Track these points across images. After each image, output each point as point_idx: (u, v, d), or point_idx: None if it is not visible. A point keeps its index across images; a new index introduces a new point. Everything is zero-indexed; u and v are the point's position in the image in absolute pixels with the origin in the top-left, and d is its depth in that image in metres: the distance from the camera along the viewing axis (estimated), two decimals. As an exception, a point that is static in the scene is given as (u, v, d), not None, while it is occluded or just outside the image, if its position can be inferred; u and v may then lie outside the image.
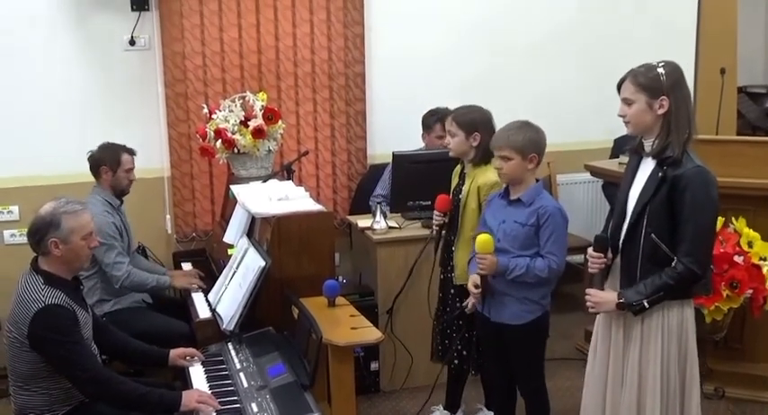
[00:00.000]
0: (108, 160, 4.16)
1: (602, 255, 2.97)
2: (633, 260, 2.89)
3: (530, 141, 3.29)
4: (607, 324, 3.03)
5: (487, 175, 3.58)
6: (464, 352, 3.74)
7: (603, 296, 2.95)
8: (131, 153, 4.24)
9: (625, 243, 2.93)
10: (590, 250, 3.00)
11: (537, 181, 3.40)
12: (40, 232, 3.02)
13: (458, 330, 3.73)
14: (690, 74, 2.75)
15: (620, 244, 2.95)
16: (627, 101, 2.87)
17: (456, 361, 3.77)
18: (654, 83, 2.81)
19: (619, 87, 2.92)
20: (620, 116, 2.91)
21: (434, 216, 3.74)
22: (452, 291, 3.73)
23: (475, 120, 3.59)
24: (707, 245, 2.86)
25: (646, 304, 2.82)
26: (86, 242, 3.09)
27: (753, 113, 7.13)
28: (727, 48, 5.89)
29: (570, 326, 5.02)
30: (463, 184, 3.66)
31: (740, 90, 6.73)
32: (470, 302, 3.54)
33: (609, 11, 5.78)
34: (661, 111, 2.81)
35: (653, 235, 2.82)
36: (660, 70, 2.82)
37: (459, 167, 3.77)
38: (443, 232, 3.74)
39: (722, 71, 5.57)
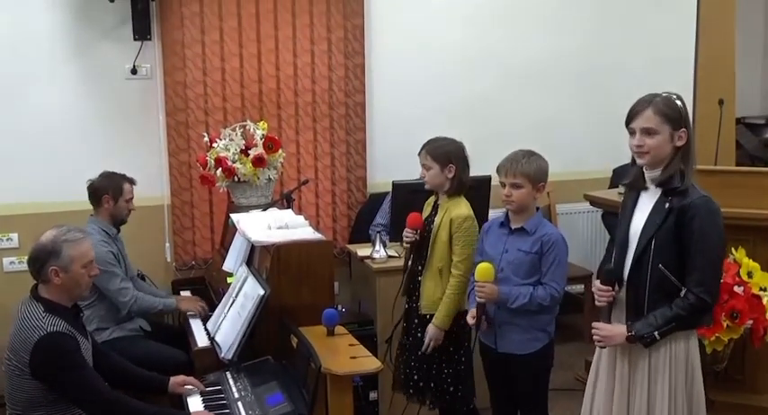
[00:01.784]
0: (110, 189, 4.17)
1: (610, 288, 2.93)
2: (640, 291, 2.86)
3: (540, 170, 3.32)
4: (612, 357, 2.99)
5: (460, 208, 3.60)
6: (431, 385, 3.70)
7: (612, 330, 2.91)
8: (132, 182, 4.26)
9: (631, 275, 2.89)
10: (597, 283, 2.96)
11: (537, 209, 3.41)
12: (41, 260, 3.03)
13: (417, 360, 3.70)
14: (688, 104, 2.76)
15: (624, 277, 2.92)
16: (649, 131, 2.78)
17: (411, 391, 3.75)
18: (676, 114, 2.78)
19: (631, 117, 2.83)
20: (638, 146, 2.81)
21: (405, 233, 3.72)
22: (416, 320, 3.72)
23: (449, 152, 3.60)
24: (716, 274, 2.85)
25: (657, 335, 2.79)
26: (87, 271, 3.10)
27: (751, 144, 7.15)
28: (725, 79, 5.93)
29: (570, 356, 5.00)
30: (435, 215, 3.67)
31: (738, 121, 6.75)
32: (432, 342, 3.58)
33: (607, 41, 5.82)
34: (680, 143, 2.79)
35: (661, 266, 2.80)
36: (679, 102, 2.80)
37: (432, 198, 3.77)
38: (410, 262, 3.74)
39: (720, 102, 5.59)
